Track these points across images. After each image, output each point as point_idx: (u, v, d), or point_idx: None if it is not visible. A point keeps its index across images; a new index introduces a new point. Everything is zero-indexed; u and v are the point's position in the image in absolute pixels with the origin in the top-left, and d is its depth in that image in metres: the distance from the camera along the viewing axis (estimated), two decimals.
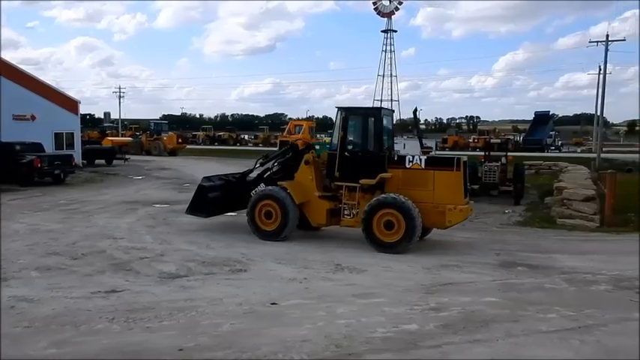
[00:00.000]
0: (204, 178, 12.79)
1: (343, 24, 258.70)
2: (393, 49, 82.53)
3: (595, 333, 6.15)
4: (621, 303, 7.37)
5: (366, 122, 11.20)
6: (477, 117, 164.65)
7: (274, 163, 12.37)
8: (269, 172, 12.21)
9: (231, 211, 12.90)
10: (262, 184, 11.86)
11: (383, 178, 10.66)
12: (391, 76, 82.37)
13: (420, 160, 10.65)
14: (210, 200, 12.15)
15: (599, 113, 44.20)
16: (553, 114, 68.97)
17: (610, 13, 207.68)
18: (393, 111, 11.62)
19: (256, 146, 62.56)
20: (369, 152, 11.05)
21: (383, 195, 10.47)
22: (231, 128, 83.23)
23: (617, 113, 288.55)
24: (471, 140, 60.15)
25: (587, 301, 7.39)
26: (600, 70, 42.26)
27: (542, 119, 60.36)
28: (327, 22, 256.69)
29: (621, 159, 34.37)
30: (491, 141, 24.92)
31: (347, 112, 11.22)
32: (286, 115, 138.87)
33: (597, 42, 39.64)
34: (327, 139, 44.98)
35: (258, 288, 7.77)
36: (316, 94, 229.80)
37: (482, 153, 22.21)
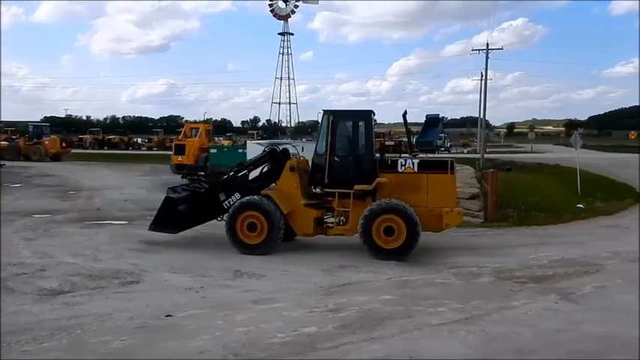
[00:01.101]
0: (169, 189, 11.83)
1: (240, 25, 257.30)
2: (290, 52, 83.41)
3: (479, 323, 6.56)
4: (502, 293, 7.94)
5: (357, 126, 10.89)
6: (374, 120, 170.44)
7: (251, 170, 11.47)
8: (241, 179, 11.28)
9: (200, 224, 11.60)
10: (237, 194, 10.94)
11: (380, 183, 10.32)
12: (289, 79, 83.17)
13: (413, 163, 10.57)
14: (179, 214, 11.10)
15: (482, 116, 47.64)
16: (442, 117, 73.17)
17: (490, 24, 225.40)
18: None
19: (150, 150, 60.14)
20: (361, 157, 10.72)
21: (384, 200, 10.11)
22: (123, 131, 79.39)
23: (497, 116, 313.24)
24: None
25: (472, 293, 7.88)
26: (482, 76, 45.57)
27: (433, 122, 63.73)
28: (223, 23, 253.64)
29: (502, 159, 37.25)
30: (386, 143, 25.92)
31: (335, 116, 10.78)
32: (182, 118, 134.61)
33: (479, 50, 42.73)
34: (226, 142, 44.36)
35: (151, 300, 7.39)
36: (214, 96, 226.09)
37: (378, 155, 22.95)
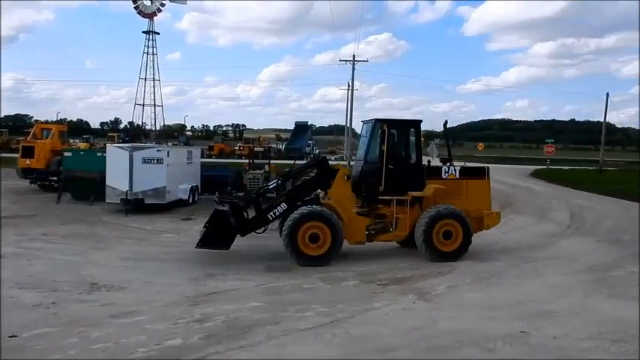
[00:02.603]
0: (214, 201, 11.07)
1: (101, 20, 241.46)
2: (155, 51, 79.45)
3: (344, 325, 6.81)
4: (366, 295, 8.31)
5: (409, 134, 11.38)
6: (243, 125, 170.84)
7: (297, 179, 11.16)
8: (290, 190, 10.93)
9: (242, 236, 10.72)
10: (283, 204, 10.50)
11: (438, 189, 10.87)
12: (154, 80, 79.23)
13: (455, 170, 11.32)
14: (232, 227, 10.14)
15: (348, 125, 49.77)
16: (311, 124, 75.24)
17: (356, 36, 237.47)
18: None
19: None
20: (413, 164, 11.24)
21: (442, 206, 10.75)
22: None
23: None
24: (237, 148, 62.01)
25: (338, 297, 8.14)
26: (349, 86, 47.73)
27: (302, 129, 65.34)
28: (82, 16, 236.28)
29: None
30: (256, 149, 25.96)
31: (389, 125, 10.97)
32: (32, 117, 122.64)
33: (346, 61, 44.84)
34: (83, 145, 41.20)
35: None
36: (69, 94, 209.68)
37: (248, 161, 22.90)
